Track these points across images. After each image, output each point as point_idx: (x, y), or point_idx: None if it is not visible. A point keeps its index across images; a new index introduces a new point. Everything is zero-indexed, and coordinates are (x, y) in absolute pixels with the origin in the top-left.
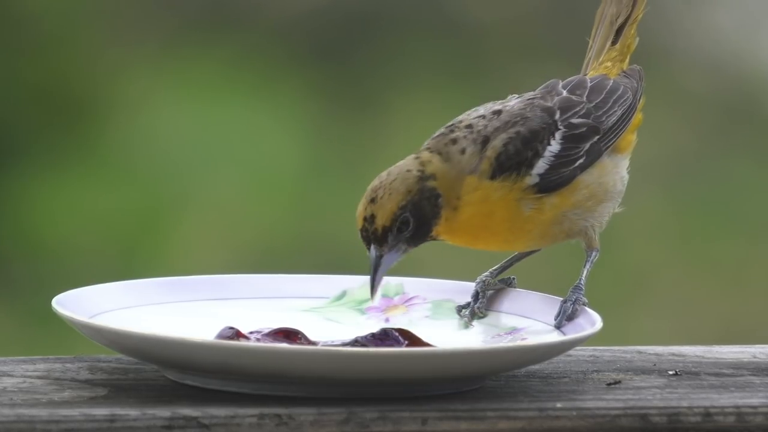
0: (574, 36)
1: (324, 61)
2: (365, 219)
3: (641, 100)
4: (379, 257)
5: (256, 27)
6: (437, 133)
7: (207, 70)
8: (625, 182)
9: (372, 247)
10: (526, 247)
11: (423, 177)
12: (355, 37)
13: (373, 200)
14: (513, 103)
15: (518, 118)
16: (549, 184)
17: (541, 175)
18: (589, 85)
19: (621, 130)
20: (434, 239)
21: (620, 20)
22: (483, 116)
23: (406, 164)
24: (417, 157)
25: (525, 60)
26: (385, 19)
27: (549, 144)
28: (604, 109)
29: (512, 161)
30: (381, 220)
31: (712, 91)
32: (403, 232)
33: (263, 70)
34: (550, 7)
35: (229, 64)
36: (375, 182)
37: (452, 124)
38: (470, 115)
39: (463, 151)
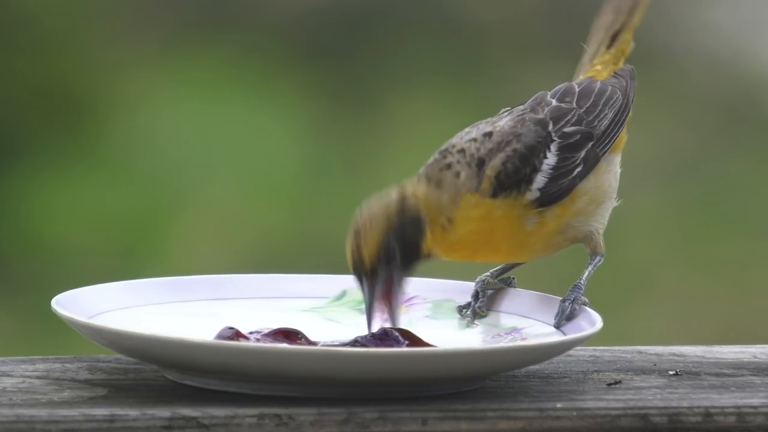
0: (574, 35)
1: (324, 61)
2: (353, 253)
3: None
4: (372, 290)
5: (256, 27)
6: (431, 160)
7: (207, 70)
8: (618, 176)
9: (363, 281)
10: (530, 258)
11: (401, 202)
12: (355, 37)
13: (357, 234)
14: (503, 122)
15: (511, 137)
16: (549, 197)
17: (541, 189)
18: (576, 90)
19: (616, 132)
20: (428, 258)
21: (616, 26)
22: (475, 139)
23: (386, 193)
24: (398, 185)
25: (525, 59)
26: (385, 19)
27: (545, 157)
28: (595, 113)
29: (511, 179)
30: (367, 251)
31: (713, 90)
32: (391, 260)
33: (263, 70)
34: (550, 7)
35: (229, 63)
36: (357, 216)
37: (445, 149)
38: (462, 139)
39: (457, 175)
